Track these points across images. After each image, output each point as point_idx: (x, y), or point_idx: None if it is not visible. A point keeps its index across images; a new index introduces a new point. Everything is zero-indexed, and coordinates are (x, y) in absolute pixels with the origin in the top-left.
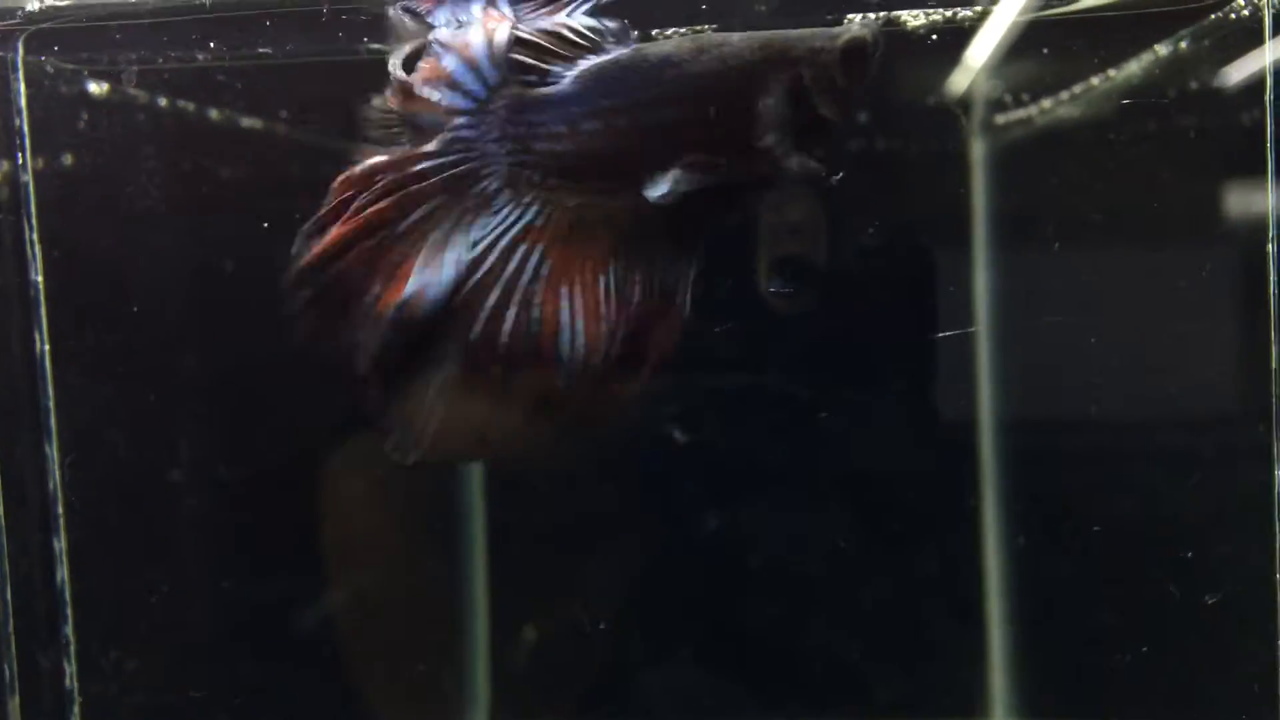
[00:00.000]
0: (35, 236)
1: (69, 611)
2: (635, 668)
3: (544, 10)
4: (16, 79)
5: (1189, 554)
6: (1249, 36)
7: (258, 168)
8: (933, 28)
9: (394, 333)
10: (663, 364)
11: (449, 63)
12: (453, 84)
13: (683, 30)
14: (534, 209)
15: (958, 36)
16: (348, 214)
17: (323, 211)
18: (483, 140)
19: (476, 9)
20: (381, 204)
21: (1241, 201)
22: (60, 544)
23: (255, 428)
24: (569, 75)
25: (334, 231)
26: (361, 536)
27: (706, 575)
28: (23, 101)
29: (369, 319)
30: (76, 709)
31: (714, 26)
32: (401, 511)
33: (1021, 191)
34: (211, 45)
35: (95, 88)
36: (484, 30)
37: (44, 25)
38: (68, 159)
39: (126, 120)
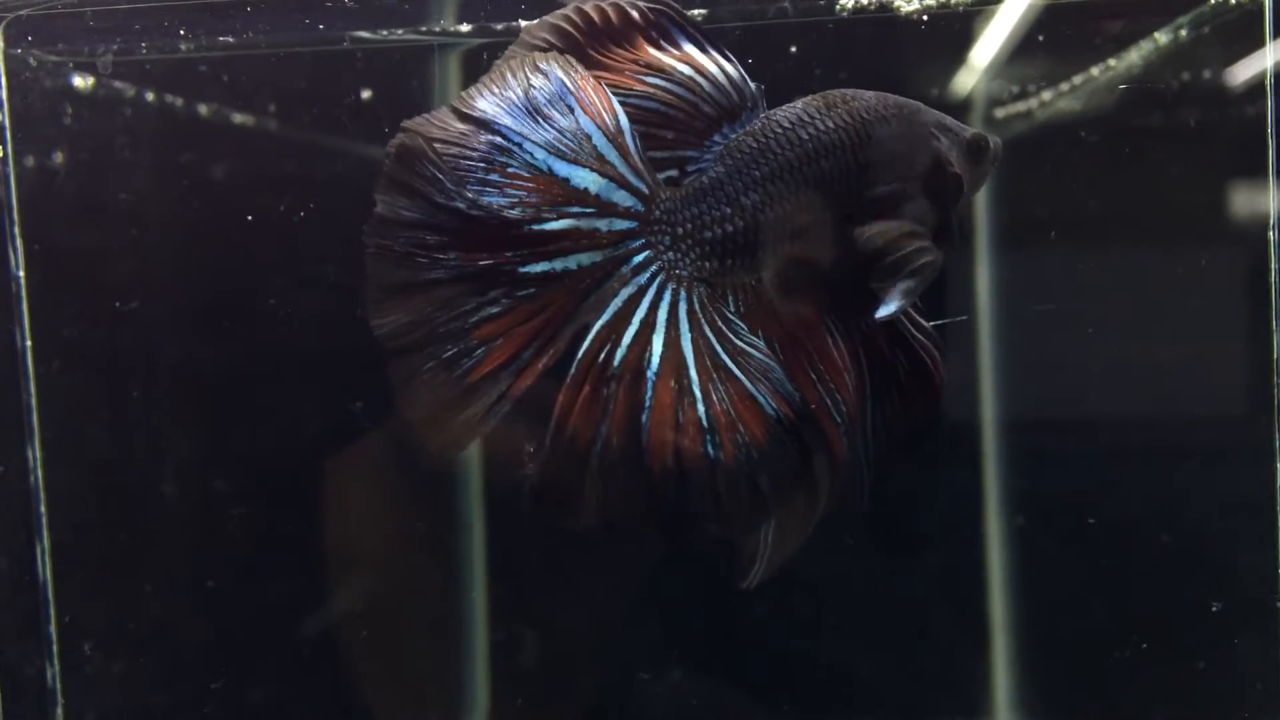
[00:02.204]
0: (17, 230)
1: (51, 611)
2: (636, 672)
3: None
4: None
5: (1192, 551)
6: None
7: (242, 161)
8: (925, 11)
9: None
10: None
11: (590, 186)
12: (609, 207)
13: None
14: (731, 299)
15: (950, 22)
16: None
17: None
18: (660, 254)
19: (554, 98)
20: (620, 355)
21: (1243, 195)
22: (43, 542)
23: (242, 427)
24: (708, 157)
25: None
26: (351, 537)
27: (705, 577)
28: (4, 94)
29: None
30: (60, 710)
31: None
32: (397, 516)
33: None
34: (189, 34)
35: (80, 81)
36: (603, 131)
37: (21, 14)
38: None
39: (109, 113)
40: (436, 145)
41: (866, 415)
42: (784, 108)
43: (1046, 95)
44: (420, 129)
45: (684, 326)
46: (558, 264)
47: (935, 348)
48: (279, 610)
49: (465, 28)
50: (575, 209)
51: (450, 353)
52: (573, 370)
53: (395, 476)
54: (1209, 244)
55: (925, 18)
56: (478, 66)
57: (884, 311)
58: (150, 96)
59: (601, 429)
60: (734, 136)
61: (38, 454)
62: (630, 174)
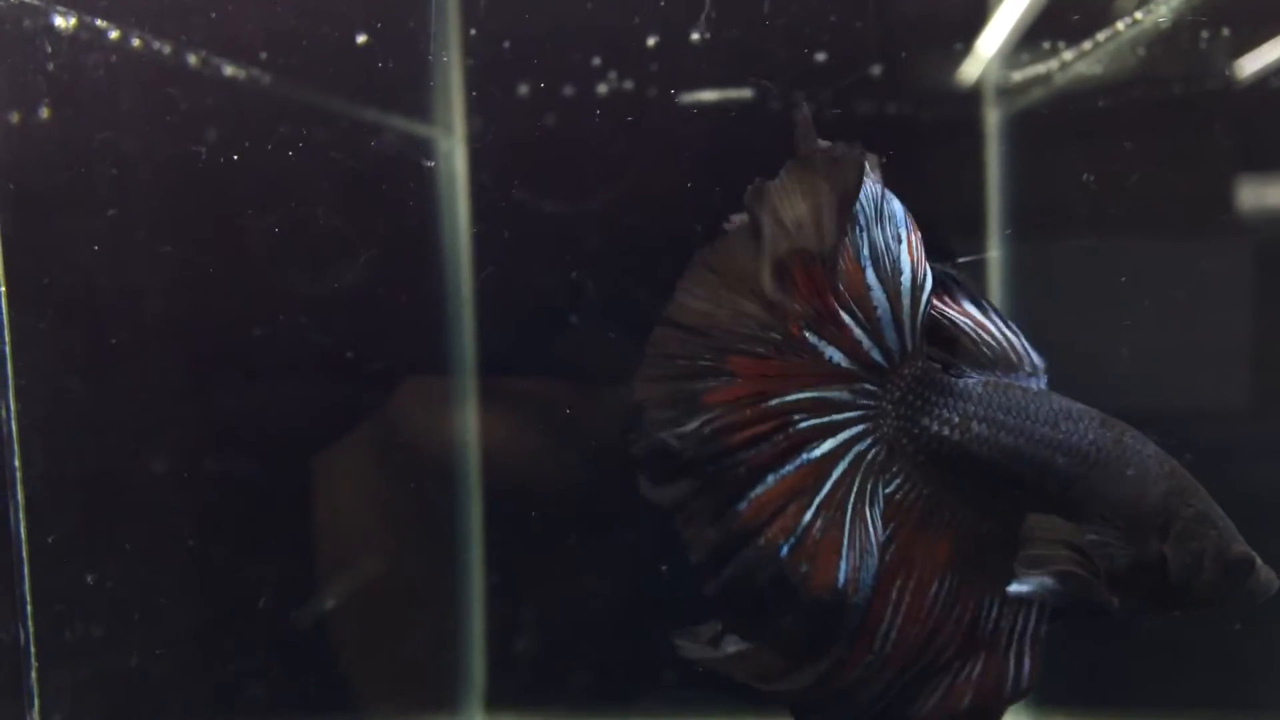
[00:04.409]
0: None
1: (25, 571)
2: (630, 657)
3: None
4: None
5: None
6: None
7: (227, 104)
8: None
9: (832, 616)
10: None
11: (878, 306)
12: (876, 333)
13: None
14: (897, 481)
15: None
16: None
17: (740, 396)
18: (883, 400)
19: (902, 261)
20: (797, 428)
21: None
22: (17, 498)
23: (227, 382)
24: (977, 376)
25: (745, 432)
26: (339, 503)
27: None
28: None
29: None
30: (34, 675)
31: None
32: (389, 490)
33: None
34: None
35: (60, 21)
36: (912, 277)
37: None
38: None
39: (90, 55)
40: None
41: (903, 672)
42: (1065, 399)
43: (1065, 60)
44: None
45: (848, 459)
46: (823, 349)
47: (1022, 689)
48: (263, 574)
49: None
50: (863, 319)
51: (704, 362)
52: (765, 407)
53: (388, 450)
54: (1225, 236)
55: None
56: (475, 5)
57: (1017, 588)
58: (134, 39)
59: (739, 458)
60: (1006, 380)
61: (12, 406)
62: (908, 325)
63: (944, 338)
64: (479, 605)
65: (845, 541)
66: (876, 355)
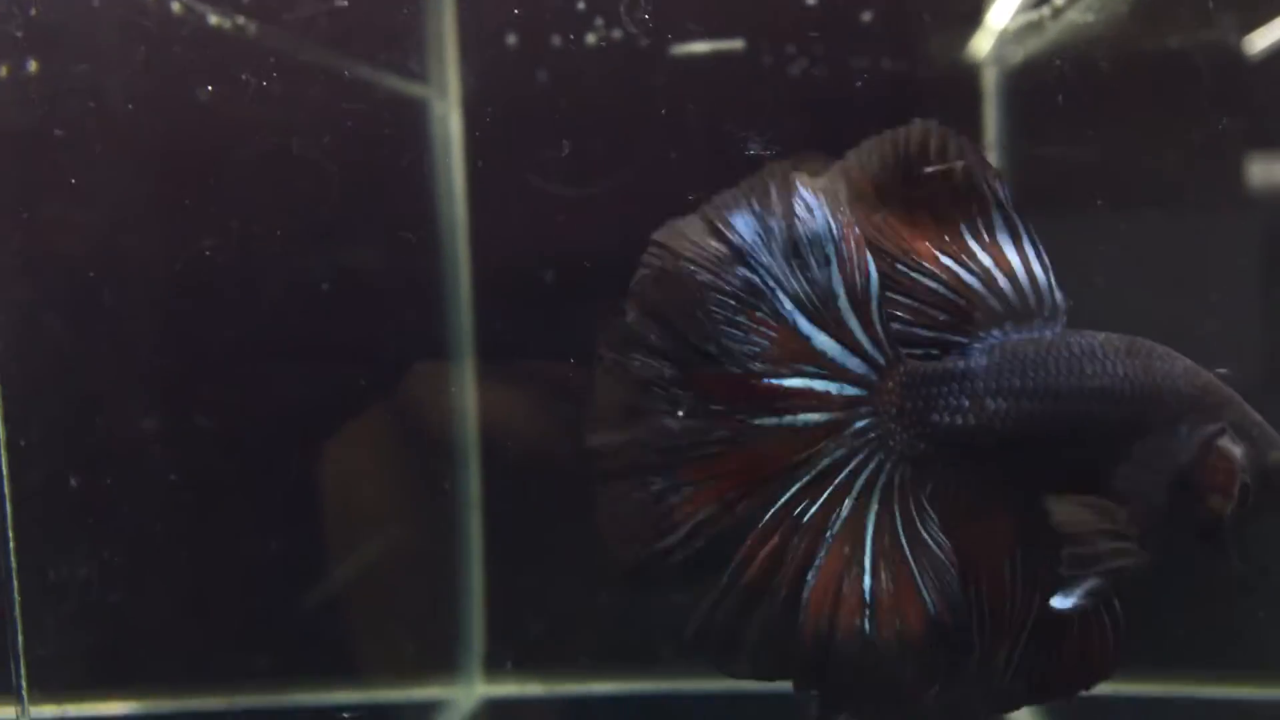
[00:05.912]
0: None
1: (8, 509)
2: (630, 623)
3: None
4: None
5: None
6: None
7: (209, 57)
8: None
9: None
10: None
11: (827, 350)
12: (839, 372)
13: None
14: (930, 487)
15: None
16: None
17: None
18: (881, 421)
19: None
20: (809, 517)
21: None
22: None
23: (210, 323)
24: (976, 347)
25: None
26: (325, 449)
27: None
28: None
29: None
30: (17, 613)
31: None
32: (386, 457)
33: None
34: None
35: None
36: (850, 294)
37: None
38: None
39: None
40: (694, 273)
41: (1011, 656)
42: (1082, 333)
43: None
44: (676, 246)
45: (875, 499)
46: (785, 420)
47: (1114, 640)
48: (261, 539)
49: None
50: (811, 369)
51: (658, 487)
52: (765, 519)
53: (386, 415)
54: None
55: None
56: None
57: (1059, 603)
58: None
59: (774, 581)
60: (1015, 339)
61: None
62: (868, 342)
63: (942, 303)
64: (478, 570)
65: (918, 574)
66: (850, 390)
